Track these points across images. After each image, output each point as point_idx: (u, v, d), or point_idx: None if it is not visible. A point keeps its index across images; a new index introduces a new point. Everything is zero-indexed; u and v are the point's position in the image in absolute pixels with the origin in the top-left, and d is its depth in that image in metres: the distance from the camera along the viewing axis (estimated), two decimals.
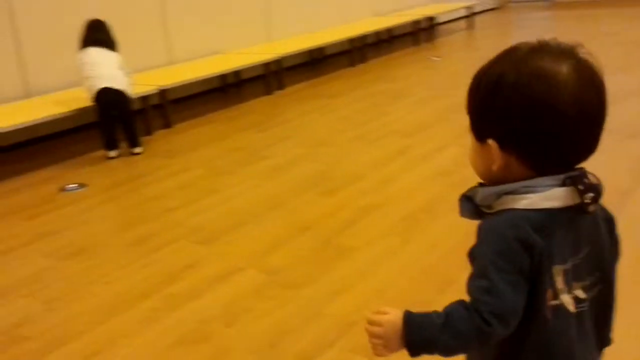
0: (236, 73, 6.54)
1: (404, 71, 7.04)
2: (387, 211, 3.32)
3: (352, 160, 4.14)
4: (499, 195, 1.08)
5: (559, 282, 1.04)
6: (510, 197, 1.06)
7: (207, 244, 3.07)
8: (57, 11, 5.09)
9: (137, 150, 4.61)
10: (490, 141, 1.05)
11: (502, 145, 1.05)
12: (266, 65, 6.17)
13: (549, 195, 1.03)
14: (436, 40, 8.87)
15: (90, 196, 3.85)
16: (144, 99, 5.00)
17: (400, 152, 4.21)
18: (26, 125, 4.44)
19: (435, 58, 7.54)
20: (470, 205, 1.13)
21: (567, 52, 1.03)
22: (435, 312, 1.03)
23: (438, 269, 2.69)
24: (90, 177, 4.14)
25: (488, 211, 1.10)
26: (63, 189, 3.96)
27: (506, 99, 1.02)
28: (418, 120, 4.93)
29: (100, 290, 2.71)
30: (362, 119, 5.07)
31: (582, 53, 1.03)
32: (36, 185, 4.10)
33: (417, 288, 2.56)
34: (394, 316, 1.04)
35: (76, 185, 4.01)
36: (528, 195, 1.04)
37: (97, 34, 4.62)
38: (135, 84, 4.92)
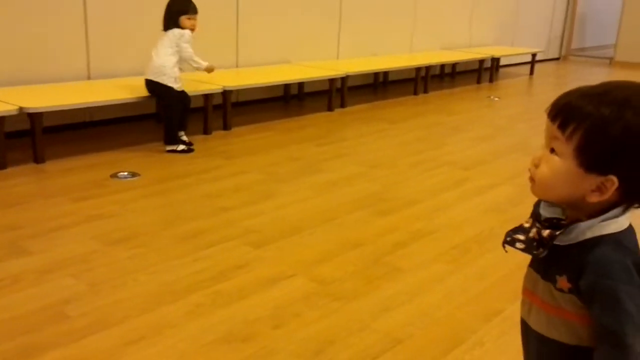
0: (300, 85, 6.59)
1: (463, 106, 7.03)
2: (438, 238, 3.28)
3: (407, 185, 4.10)
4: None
5: None
6: (604, 223, 1.10)
7: (259, 247, 3.04)
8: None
9: (171, 147, 4.58)
10: (613, 177, 1.06)
11: (622, 183, 1.07)
12: (331, 81, 6.17)
13: (628, 216, 1.12)
14: (497, 81, 8.84)
15: (142, 186, 3.86)
16: (207, 97, 5.02)
17: (455, 184, 4.17)
18: (88, 105, 4.53)
19: (494, 98, 7.52)
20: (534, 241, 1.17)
21: None
22: None
23: (485, 299, 2.66)
24: (144, 168, 4.15)
25: (564, 243, 1.12)
26: (115, 176, 3.98)
27: None
28: (475, 155, 4.88)
29: (146, 280, 2.69)
30: (420, 147, 5.04)
31: None
32: (88, 169, 4.12)
33: (464, 315, 2.53)
34: None
35: (128, 173, 4.02)
36: (618, 219, 1.10)
37: (164, 18, 4.58)
38: (200, 82, 4.96)
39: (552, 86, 9.17)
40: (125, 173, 4.02)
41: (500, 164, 4.65)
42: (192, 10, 4.59)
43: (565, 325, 1.15)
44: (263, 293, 2.61)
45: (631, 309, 1.06)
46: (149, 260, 2.87)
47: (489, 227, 3.43)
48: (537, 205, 1.23)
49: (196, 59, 4.64)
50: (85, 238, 3.07)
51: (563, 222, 1.16)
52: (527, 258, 1.19)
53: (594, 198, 1.09)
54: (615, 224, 1.10)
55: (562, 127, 1.08)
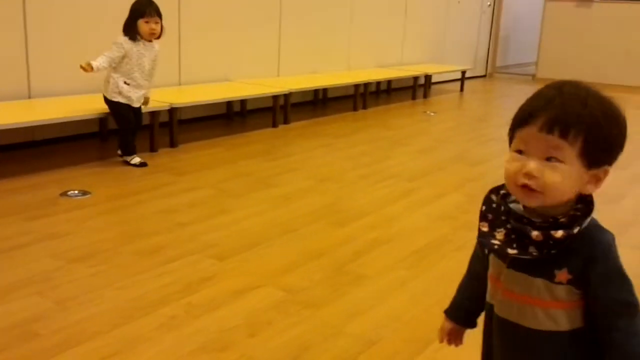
0: (242, 103, 6.64)
1: (402, 121, 7.18)
2: (395, 246, 3.36)
3: (358, 197, 4.18)
4: None
5: None
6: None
7: (222, 260, 3.06)
8: (70, 17, 5.11)
9: (124, 158, 4.55)
10: (607, 167, 1.20)
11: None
12: (275, 98, 6.23)
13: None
14: (431, 97, 9.07)
15: (94, 204, 3.81)
16: (153, 115, 4.99)
17: (404, 194, 4.27)
18: (36, 124, 4.47)
19: (430, 113, 7.72)
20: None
21: None
22: None
23: (447, 301, 2.70)
24: (93, 186, 4.09)
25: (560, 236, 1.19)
26: (65, 194, 3.91)
27: (622, 133, 1.19)
28: (419, 167, 5.01)
29: (113, 295, 2.67)
30: (366, 161, 5.13)
31: None
32: (37, 188, 4.03)
33: (430, 317, 2.58)
34: None
35: (78, 192, 3.96)
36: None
37: None
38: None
39: (482, 101, 9.51)
40: (76, 191, 3.96)
41: (444, 175, 4.79)
42: (149, 12, 4.27)
43: (562, 314, 1.23)
44: (234, 303, 2.63)
45: (630, 279, 1.19)
46: (113, 276, 2.85)
47: (442, 234, 3.53)
48: (493, 206, 1.28)
49: (99, 58, 4.21)
50: (44, 256, 3.02)
51: (562, 220, 1.19)
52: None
53: (591, 189, 1.20)
54: (593, 213, 1.21)
55: (564, 135, 1.15)
